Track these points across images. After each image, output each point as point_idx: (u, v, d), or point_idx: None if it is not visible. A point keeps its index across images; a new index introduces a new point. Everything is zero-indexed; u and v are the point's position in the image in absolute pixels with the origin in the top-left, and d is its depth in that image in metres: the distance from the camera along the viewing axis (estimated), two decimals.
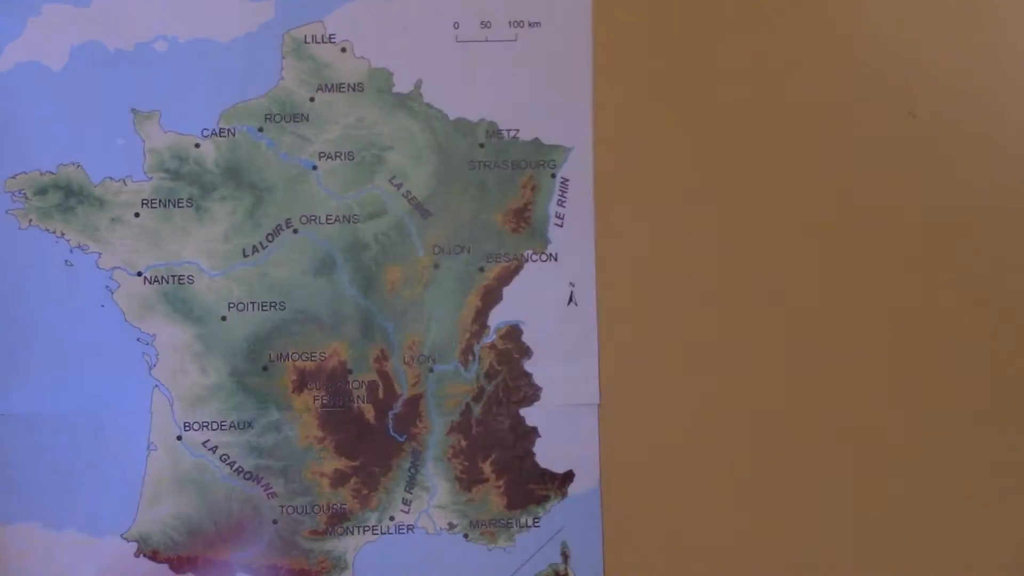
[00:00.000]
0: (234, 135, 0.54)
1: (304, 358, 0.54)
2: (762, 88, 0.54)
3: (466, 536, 0.54)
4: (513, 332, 0.54)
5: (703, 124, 0.54)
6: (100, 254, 0.53)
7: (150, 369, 0.54)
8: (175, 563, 0.54)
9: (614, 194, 0.54)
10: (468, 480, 0.54)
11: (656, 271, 0.54)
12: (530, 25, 0.54)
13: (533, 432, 0.54)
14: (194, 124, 0.54)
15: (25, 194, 0.53)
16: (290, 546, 0.54)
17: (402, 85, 0.54)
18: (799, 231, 0.54)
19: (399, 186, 0.54)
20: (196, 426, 0.54)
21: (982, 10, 0.54)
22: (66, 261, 0.53)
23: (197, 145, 0.54)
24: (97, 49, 0.53)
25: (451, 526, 0.54)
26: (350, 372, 0.54)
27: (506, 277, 0.54)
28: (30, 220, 0.53)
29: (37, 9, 0.53)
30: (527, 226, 0.54)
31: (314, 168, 0.54)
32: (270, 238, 0.54)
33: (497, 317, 0.54)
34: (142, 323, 0.54)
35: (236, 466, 0.54)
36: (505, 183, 0.54)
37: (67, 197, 0.53)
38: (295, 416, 0.54)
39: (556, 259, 0.54)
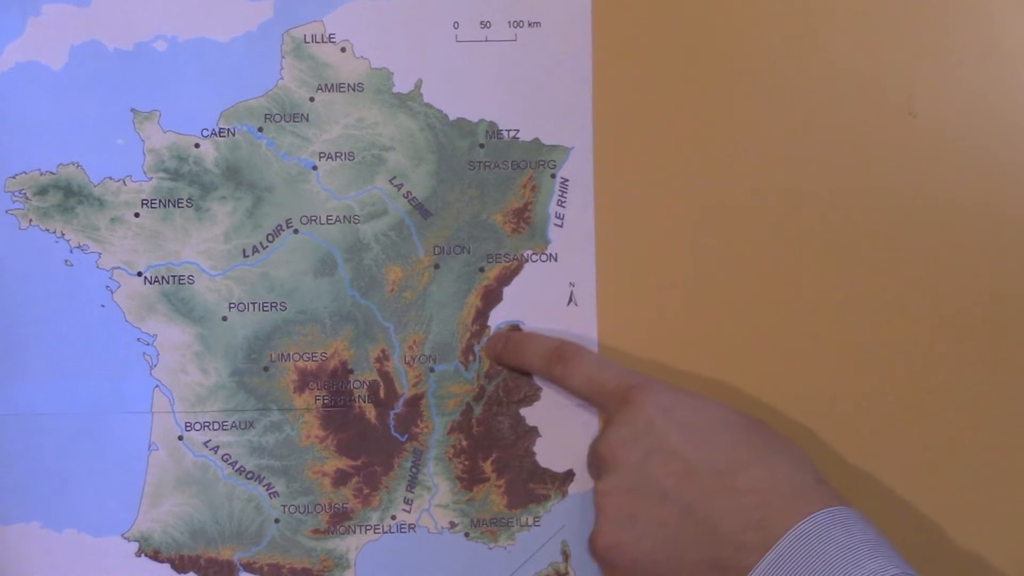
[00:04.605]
0: (234, 135, 0.54)
1: (305, 358, 0.54)
2: (762, 88, 0.54)
3: (467, 535, 0.54)
4: None
5: (703, 124, 0.54)
6: (100, 254, 0.53)
7: (150, 369, 0.54)
8: (176, 563, 0.54)
9: (614, 194, 0.54)
10: (469, 479, 0.54)
11: (656, 271, 0.54)
12: (530, 25, 0.54)
13: (533, 432, 0.54)
14: (194, 124, 0.54)
15: (25, 194, 0.53)
16: (292, 545, 0.54)
17: (402, 85, 0.54)
18: (800, 232, 0.54)
19: (399, 186, 0.54)
20: (197, 426, 0.54)
21: (982, 10, 0.54)
22: (66, 261, 0.53)
23: (197, 145, 0.54)
24: (97, 49, 0.53)
25: (452, 525, 0.54)
26: (351, 372, 0.54)
27: (506, 277, 0.55)
28: (30, 220, 0.53)
29: (37, 9, 0.53)
30: (527, 226, 0.55)
31: (314, 168, 0.54)
32: (270, 238, 0.54)
33: (497, 317, 0.55)
34: (142, 323, 0.54)
35: (238, 466, 0.54)
36: (505, 183, 0.54)
37: (67, 197, 0.53)
38: (296, 416, 0.54)
39: (556, 259, 0.55)
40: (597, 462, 0.50)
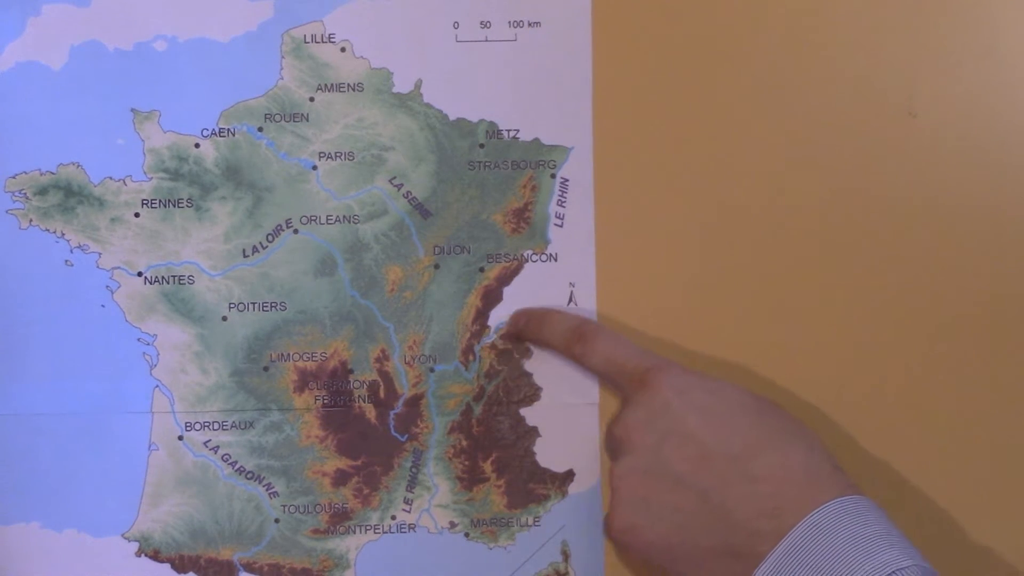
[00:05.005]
0: (234, 135, 0.54)
1: (305, 358, 0.54)
2: (762, 88, 0.54)
3: (467, 535, 0.54)
4: None
5: (703, 124, 0.54)
6: (100, 254, 0.53)
7: (151, 369, 0.54)
8: (176, 563, 0.54)
9: (614, 194, 0.54)
10: (469, 479, 0.54)
11: (656, 271, 0.54)
12: (530, 25, 0.54)
13: (533, 432, 0.54)
14: (194, 124, 0.54)
15: (25, 194, 0.53)
16: (292, 545, 0.54)
17: (402, 85, 0.54)
18: (800, 232, 0.54)
19: (399, 186, 0.54)
20: (197, 426, 0.54)
21: (982, 10, 0.54)
22: (66, 261, 0.53)
23: (197, 145, 0.54)
24: (97, 49, 0.53)
25: (452, 525, 0.54)
26: (351, 372, 0.54)
27: (506, 277, 0.55)
28: (30, 220, 0.53)
29: (37, 9, 0.53)
30: (527, 226, 0.55)
31: (314, 168, 0.54)
32: (270, 238, 0.54)
33: (497, 317, 0.55)
34: (142, 323, 0.54)
35: (238, 466, 0.54)
36: (505, 183, 0.54)
37: (67, 197, 0.53)
38: (296, 416, 0.54)
39: (556, 259, 0.55)
40: (613, 444, 0.50)
